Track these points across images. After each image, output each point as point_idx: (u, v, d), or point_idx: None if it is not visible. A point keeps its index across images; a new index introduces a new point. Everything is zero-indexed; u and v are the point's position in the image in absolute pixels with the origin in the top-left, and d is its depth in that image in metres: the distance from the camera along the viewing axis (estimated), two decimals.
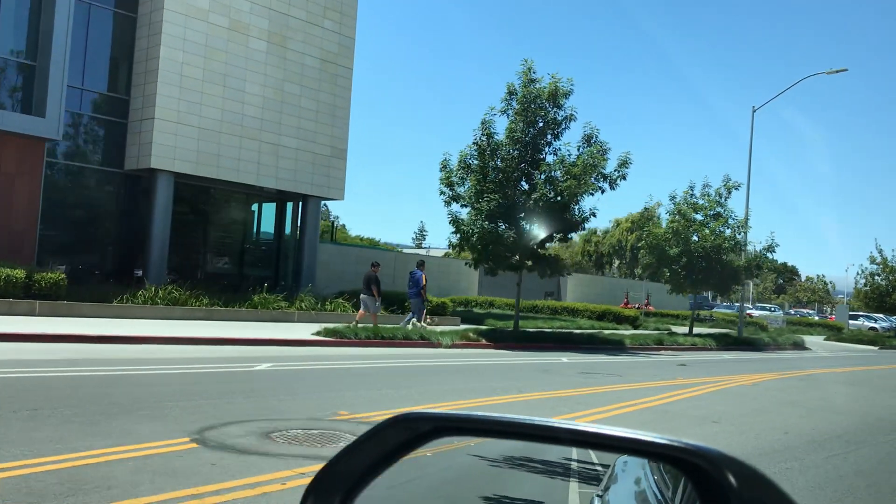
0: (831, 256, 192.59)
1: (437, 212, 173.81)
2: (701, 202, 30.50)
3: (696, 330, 36.22)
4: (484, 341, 21.12)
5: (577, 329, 29.68)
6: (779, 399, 13.10)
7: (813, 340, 41.66)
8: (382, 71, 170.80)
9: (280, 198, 31.80)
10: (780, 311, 68.24)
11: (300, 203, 31.75)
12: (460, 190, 21.65)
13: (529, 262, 22.36)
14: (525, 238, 21.81)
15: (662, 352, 25.09)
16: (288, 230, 32.40)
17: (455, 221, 21.48)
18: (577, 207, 22.25)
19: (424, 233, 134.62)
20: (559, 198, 21.32)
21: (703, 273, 29.41)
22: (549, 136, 22.17)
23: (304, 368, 13.41)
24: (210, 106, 27.67)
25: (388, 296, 25.47)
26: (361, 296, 22.68)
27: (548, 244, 23.59)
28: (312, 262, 31.97)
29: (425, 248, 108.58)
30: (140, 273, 26.01)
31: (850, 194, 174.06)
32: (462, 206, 21.81)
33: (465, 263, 22.95)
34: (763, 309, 65.67)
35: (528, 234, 21.92)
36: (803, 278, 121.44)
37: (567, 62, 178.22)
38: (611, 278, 67.84)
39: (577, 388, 12.70)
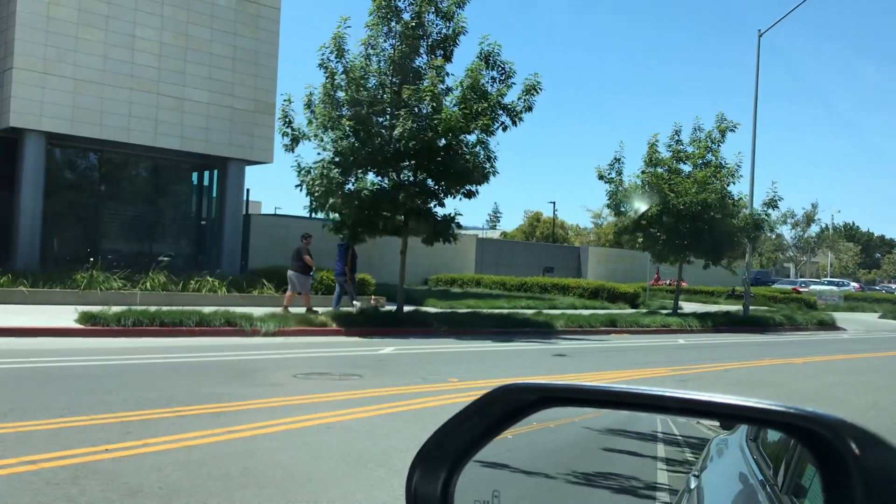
0: None
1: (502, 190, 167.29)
2: (690, 150, 24.58)
3: (706, 308, 30.33)
4: (335, 326, 16.24)
5: (552, 309, 24.41)
6: None
7: (862, 318, 34.83)
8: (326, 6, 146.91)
9: (200, 163, 27.59)
10: (850, 286, 60.20)
11: (218, 169, 27.42)
12: (307, 129, 16.72)
13: (410, 223, 17.23)
14: (397, 192, 16.77)
15: (611, 335, 19.62)
16: (208, 201, 28.18)
17: (299, 170, 16.59)
18: (468, 149, 17.02)
19: (499, 214, 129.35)
20: (431, 133, 16.15)
21: (687, 237, 23.59)
22: (425, 55, 16.97)
23: None
24: (88, 53, 23.55)
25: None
26: (289, 272, 18.49)
27: (448, 200, 18.43)
28: (235, 238, 27.63)
29: (499, 230, 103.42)
30: None
31: None
32: (321, 149, 16.90)
33: (323, 226, 18.11)
34: (840, 285, 57.98)
35: (402, 186, 16.88)
36: None
37: None
38: (640, 252, 60.33)
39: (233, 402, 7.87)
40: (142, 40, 24.56)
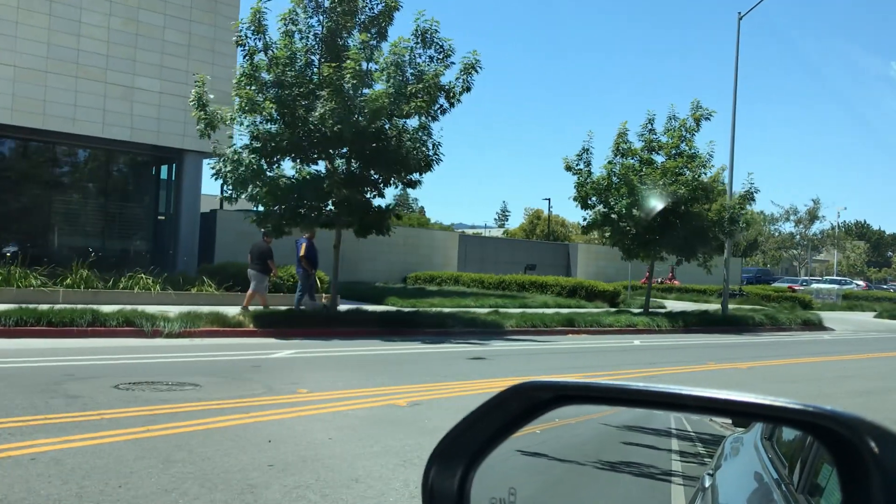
0: None
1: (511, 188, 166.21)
2: (664, 139, 23.15)
3: (692, 307, 29.03)
4: (251, 326, 15.00)
5: (522, 307, 23.21)
6: None
7: (857, 318, 33.29)
8: None
9: (158, 156, 26.46)
10: (854, 284, 58.38)
11: (176, 162, 26.27)
12: (222, 113, 15.45)
13: (341, 215, 15.92)
14: (322, 181, 15.52)
15: (567, 335, 18.32)
16: (166, 195, 27.03)
17: (217, 157, 15.35)
18: (408, 134, 15.75)
19: (507, 213, 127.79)
20: (359, 117, 14.88)
21: (657, 231, 22.19)
22: (358, 34, 15.68)
23: None
24: (30, 40, 22.46)
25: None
26: (249, 271, 17.48)
27: (390, 190, 17.16)
28: (192, 233, 26.51)
29: (505, 228, 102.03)
30: None
31: None
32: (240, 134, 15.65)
33: (245, 218, 16.80)
34: (843, 283, 56.20)
35: (332, 175, 15.62)
36: None
37: None
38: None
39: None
40: (88, 26, 23.45)
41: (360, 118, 15.02)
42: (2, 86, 21.92)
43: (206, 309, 15.62)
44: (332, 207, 15.77)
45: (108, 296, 18.18)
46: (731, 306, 28.25)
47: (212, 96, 15.27)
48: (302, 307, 17.43)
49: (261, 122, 15.14)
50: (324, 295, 21.50)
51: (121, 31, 23.96)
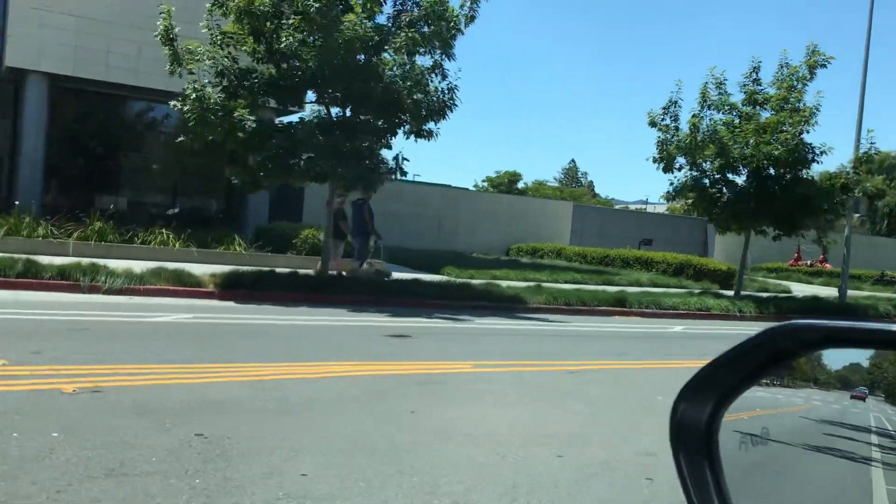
0: None
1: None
2: (772, 91, 19.26)
3: (813, 291, 24.70)
4: (212, 288, 13.33)
5: (606, 285, 20.36)
6: None
7: None
8: None
9: None
10: None
11: None
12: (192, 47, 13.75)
13: (323, 167, 13.80)
14: (305, 126, 13.58)
15: (613, 316, 15.42)
16: None
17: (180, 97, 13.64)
18: (404, 72, 13.45)
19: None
20: (341, 50, 12.76)
21: (753, 200, 18.48)
22: None
23: None
24: None
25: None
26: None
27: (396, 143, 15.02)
28: (262, 195, 25.47)
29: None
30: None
31: None
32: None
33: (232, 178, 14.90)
34: None
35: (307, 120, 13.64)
36: None
37: None
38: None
39: None
40: None
41: (343, 52, 12.90)
42: (64, 37, 21.63)
43: (178, 267, 14.12)
44: (314, 157, 13.66)
45: (122, 250, 17.28)
46: (875, 294, 23.52)
47: (178, 29, 13.62)
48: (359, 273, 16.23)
49: (231, 57, 13.38)
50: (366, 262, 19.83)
51: None
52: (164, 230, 18.36)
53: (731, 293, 19.90)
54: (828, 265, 38.33)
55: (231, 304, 12.64)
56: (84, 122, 23.98)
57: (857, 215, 21.23)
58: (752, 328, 10.19)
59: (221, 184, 26.22)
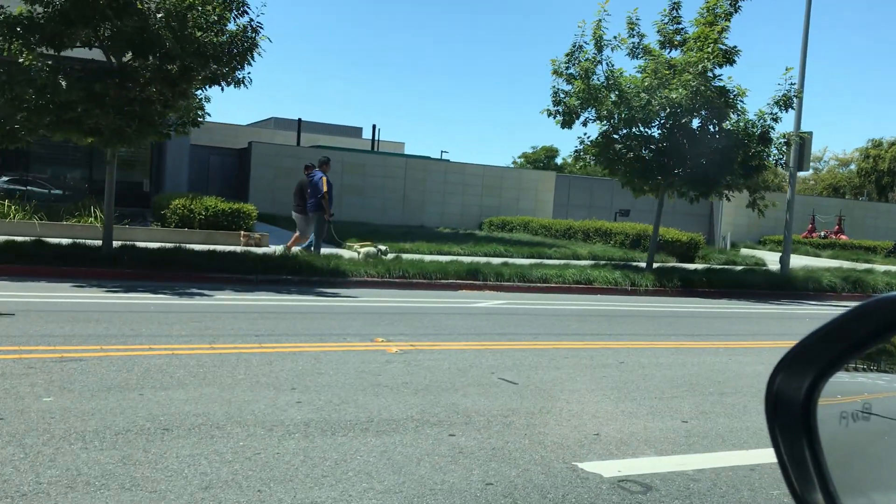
0: None
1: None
2: (691, 29, 16.63)
3: (805, 263, 21.91)
4: None
5: (546, 259, 18.27)
6: None
7: None
8: None
9: None
10: None
11: None
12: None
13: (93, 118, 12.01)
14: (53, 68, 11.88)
15: (460, 290, 13.35)
16: None
17: None
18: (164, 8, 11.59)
19: None
20: None
21: (663, 155, 15.94)
22: None
23: None
24: None
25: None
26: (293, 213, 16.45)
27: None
28: (179, 163, 24.12)
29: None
30: None
31: None
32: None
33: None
34: None
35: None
36: None
37: None
38: (801, 195, 46.71)
39: None
40: None
41: None
42: None
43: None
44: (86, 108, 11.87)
45: (55, 229, 16.23)
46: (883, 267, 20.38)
47: None
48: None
49: None
50: (242, 233, 18.15)
51: None
52: (5, 201, 17.04)
53: (644, 265, 17.41)
54: (843, 236, 34.86)
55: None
56: None
57: (802, 173, 18.30)
58: (627, 303, 8.05)
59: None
